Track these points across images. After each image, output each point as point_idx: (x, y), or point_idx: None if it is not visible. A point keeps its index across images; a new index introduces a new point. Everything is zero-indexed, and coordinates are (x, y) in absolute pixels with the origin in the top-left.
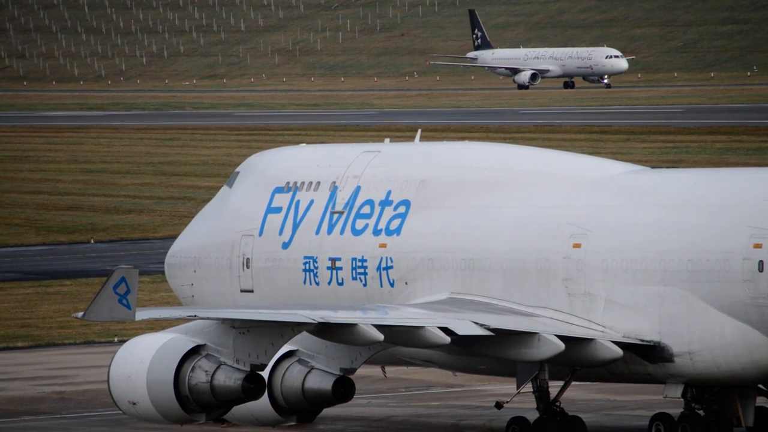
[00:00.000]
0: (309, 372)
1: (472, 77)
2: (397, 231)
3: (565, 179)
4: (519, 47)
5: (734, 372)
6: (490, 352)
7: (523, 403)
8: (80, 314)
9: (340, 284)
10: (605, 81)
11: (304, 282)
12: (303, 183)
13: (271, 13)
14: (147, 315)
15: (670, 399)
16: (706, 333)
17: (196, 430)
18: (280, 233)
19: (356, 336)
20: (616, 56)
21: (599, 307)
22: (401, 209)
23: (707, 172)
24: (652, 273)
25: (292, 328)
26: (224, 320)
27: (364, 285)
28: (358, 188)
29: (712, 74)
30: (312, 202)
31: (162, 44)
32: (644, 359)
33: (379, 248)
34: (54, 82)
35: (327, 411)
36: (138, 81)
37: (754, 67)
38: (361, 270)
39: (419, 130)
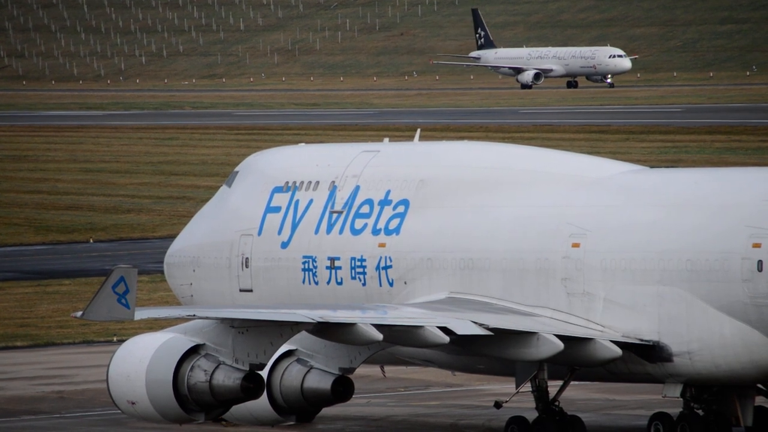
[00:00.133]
0: (308, 371)
1: (471, 77)
2: (396, 230)
3: (564, 179)
4: (522, 47)
5: (733, 372)
6: (489, 351)
7: (522, 402)
8: (79, 314)
9: (339, 284)
10: (608, 80)
11: (303, 281)
12: (302, 182)
13: (270, 13)
14: (146, 314)
15: (669, 398)
16: (706, 333)
17: (195, 429)
18: (279, 233)
19: (355, 335)
20: (620, 56)
21: (598, 307)
22: (400, 209)
23: (706, 172)
24: (652, 273)
25: (291, 327)
26: (223, 320)
27: (363, 284)
28: (357, 188)
29: (712, 74)
30: (311, 201)
31: (161, 44)
32: (643, 359)
33: (378, 248)
34: (53, 82)
35: (326, 410)
36: (137, 80)
37: (754, 67)
38: (360, 269)
39: (418, 130)
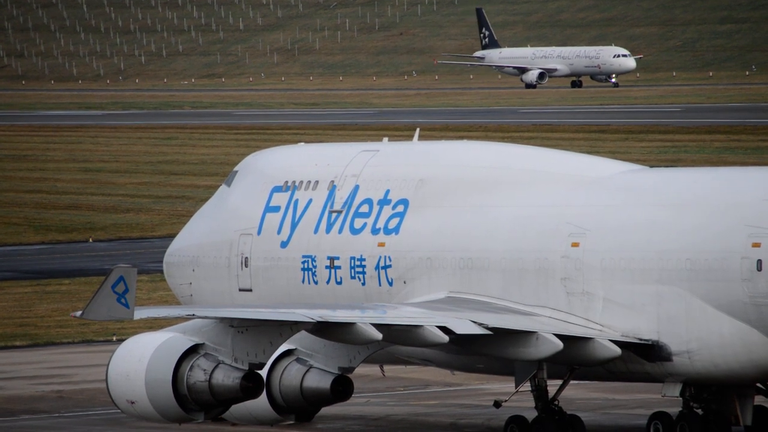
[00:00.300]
0: (307, 371)
1: (471, 76)
2: (396, 230)
3: (563, 178)
4: (521, 46)
5: (733, 371)
6: (488, 351)
7: (522, 402)
8: (79, 313)
9: (339, 283)
10: (613, 80)
11: (303, 281)
12: (301, 182)
13: (269, 12)
14: (145, 314)
15: (668, 398)
16: (705, 332)
17: (194, 428)
18: (279, 232)
19: (355, 335)
20: (624, 55)
21: (598, 306)
22: (399, 208)
23: (706, 172)
24: (651, 272)
25: (291, 327)
26: (223, 319)
27: (363, 284)
28: (357, 187)
29: (711, 73)
30: (310, 201)
31: (161, 43)
32: (642, 358)
33: (378, 247)
34: (52, 82)
35: (325, 410)
36: (136, 80)
37: (753, 67)
38: (360, 269)
39: (417, 129)
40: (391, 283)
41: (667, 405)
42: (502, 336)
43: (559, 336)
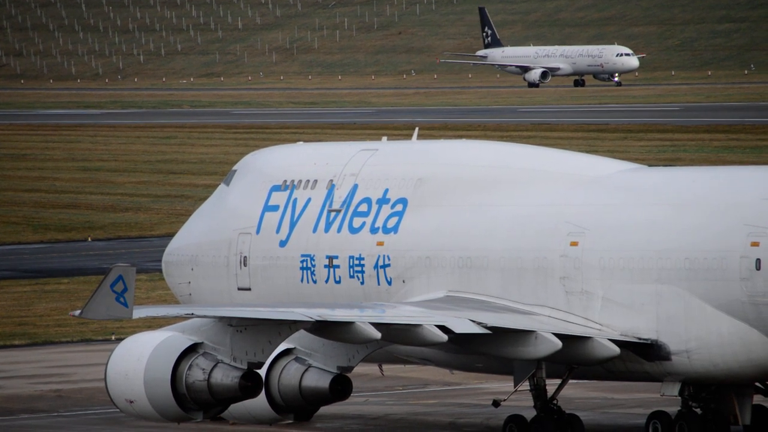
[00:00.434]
0: (306, 370)
1: (470, 75)
2: (395, 229)
3: (562, 177)
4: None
5: (731, 370)
6: (487, 350)
7: (521, 401)
8: (77, 312)
9: (338, 282)
10: (616, 79)
11: (302, 280)
12: (300, 181)
13: (268, 12)
14: (144, 313)
15: (667, 397)
16: (704, 331)
17: (193, 428)
18: (278, 231)
19: (353, 334)
20: (627, 54)
21: (596, 306)
22: (398, 207)
23: (704, 171)
24: (650, 271)
25: (290, 326)
26: (221, 318)
27: (362, 283)
28: (356, 186)
29: (710, 72)
30: (309, 200)
31: (159, 42)
32: (641, 357)
33: (377, 246)
34: (51, 81)
35: (324, 409)
36: (135, 79)
37: (752, 66)
38: (359, 268)
39: (416, 129)
40: (389, 283)
41: (665, 404)
42: (501, 335)
43: (558, 335)
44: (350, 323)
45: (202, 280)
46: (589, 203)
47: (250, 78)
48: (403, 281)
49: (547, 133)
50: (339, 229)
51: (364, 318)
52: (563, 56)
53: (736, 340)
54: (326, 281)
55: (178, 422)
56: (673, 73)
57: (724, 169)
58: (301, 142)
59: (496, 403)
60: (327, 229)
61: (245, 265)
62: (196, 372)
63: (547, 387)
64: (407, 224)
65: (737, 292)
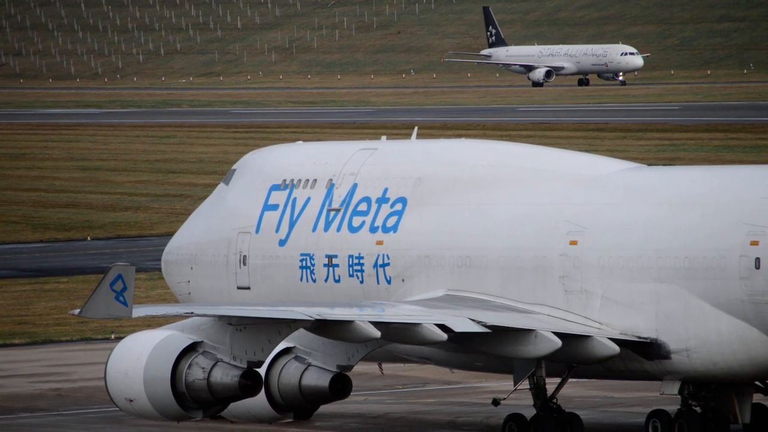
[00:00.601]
0: (306, 369)
1: (469, 74)
2: (394, 228)
3: (561, 177)
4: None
5: (731, 369)
6: (487, 349)
7: (520, 400)
8: (77, 311)
9: (337, 281)
10: (620, 78)
11: (301, 279)
12: (300, 180)
13: (267, 11)
14: (144, 312)
15: (666, 396)
16: (703, 330)
17: (193, 426)
18: (277, 230)
19: (353, 333)
20: (631, 53)
21: (596, 304)
22: (398, 206)
23: (704, 170)
24: (649, 270)
25: (289, 325)
26: (221, 317)
27: (361, 282)
28: (355, 185)
29: (709, 72)
30: (309, 199)
31: (158, 42)
32: (641, 356)
33: (376, 245)
34: (50, 80)
35: (324, 408)
36: (134, 78)
37: (751, 65)
38: (358, 267)
39: (416, 128)
40: (389, 281)
41: (665, 403)
42: (500, 334)
43: (557, 334)
44: (350, 322)
45: (201, 279)
46: (589, 202)
47: (249, 77)
48: (403, 280)
49: (546, 133)
50: (338, 229)
51: (363, 317)
52: (567, 55)
53: (736, 339)
54: (326, 280)
55: (178, 421)
56: (672, 72)
57: (723, 169)
58: (300, 142)
59: (495, 402)
60: (326, 229)
61: (245, 264)
62: (196, 371)
63: (546, 386)
64: (407, 223)
65: (737, 291)
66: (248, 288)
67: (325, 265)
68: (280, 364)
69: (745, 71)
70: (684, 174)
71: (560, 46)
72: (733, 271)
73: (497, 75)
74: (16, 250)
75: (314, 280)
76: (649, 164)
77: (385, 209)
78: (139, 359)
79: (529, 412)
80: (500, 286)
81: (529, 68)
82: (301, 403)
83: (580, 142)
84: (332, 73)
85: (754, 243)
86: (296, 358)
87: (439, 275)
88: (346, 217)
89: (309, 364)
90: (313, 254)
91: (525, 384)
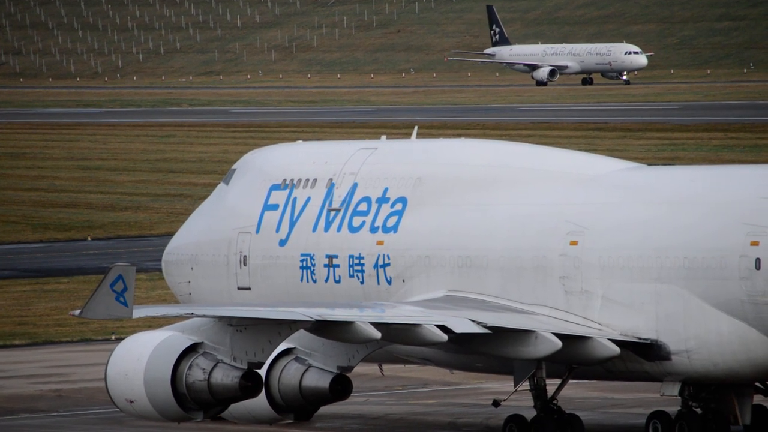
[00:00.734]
0: (306, 370)
1: (468, 74)
2: (394, 228)
3: (561, 176)
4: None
5: (731, 370)
6: (487, 349)
7: (521, 401)
8: (77, 312)
9: (337, 282)
10: (624, 77)
11: (302, 279)
12: (300, 180)
13: (267, 10)
14: (144, 312)
15: (667, 397)
16: (703, 331)
17: (193, 428)
18: (277, 230)
19: (353, 334)
20: (635, 52)
21: (596, 305)
22: (398, 206)
23: (704, 170)
24: (649, 270)
25: (290, 325)
26: (221, 318)
27: (362, 282)
28: (355, 185)
29: (709, 71)
30: (309, 199)
31: (158, 41)
32: (641, 357)
33: (376, 245)
34: (50, 79)
35: (324, 409)
36: (134, 77)
37: (751, 64)
38: (358, 267)
39: (416, 127)
40: (389, 282)
41: (665, 404)
42: (500, 335)
43: (557, 335)
44: (350, 323)
45: (201, 279)
46: (589, 202)
47: (249, 76)
48: (403, 281)
49: (546, 132)
50: (339, 229)
51: (363, 318)
52: (571, 54)
53: (736, 340)
54: (326, 281)
55: (178, 422)
56: (672, 71)
57: (723, 168)
58: (300, 141)
59: (496, 403)
60: (327, 229)
61: (245, 264)
62: (196, 372)
63: (547, 387)
64: (407, 223)
65: (737, 292)
66: (248, 288)
67: (325, 266)
68: (280, 365)
69: (745, 70)
70: (684, 174)
71: (564, 45)
72: (733, 271)
73: (497, 74)
74: (16, 250)
75: (315, 281)
76: (649, 164)
77: (386, 209)
78: (139, 360)
79: (530, 413)
80: (500, 286)
81: (533, 67)
82: (302, 404)
83: (580, 141)
84: (332, 72)
85: (755, 243)
86: (297, 359)
87: (439, 275)
88: (346, 217)
89: (309, 365)
90: (314, 254)
91: (525, 385)
